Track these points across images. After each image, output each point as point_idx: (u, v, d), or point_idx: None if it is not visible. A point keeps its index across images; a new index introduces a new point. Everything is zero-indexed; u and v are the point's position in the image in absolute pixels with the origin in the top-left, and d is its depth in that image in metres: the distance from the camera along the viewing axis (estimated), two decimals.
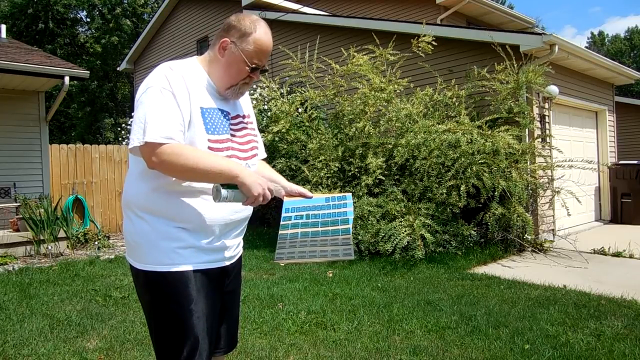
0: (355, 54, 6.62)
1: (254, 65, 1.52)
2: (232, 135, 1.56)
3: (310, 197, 1.74)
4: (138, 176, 1.49)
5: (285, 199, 1.77)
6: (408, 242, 5.15)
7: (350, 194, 1.77)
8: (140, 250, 1.50)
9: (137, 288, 1.60)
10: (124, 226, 1.57)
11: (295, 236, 1.57)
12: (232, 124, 1.58)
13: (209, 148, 1.47)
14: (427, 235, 5.14)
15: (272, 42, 1.58)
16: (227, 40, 1.52)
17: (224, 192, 1.37)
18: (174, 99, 1.42)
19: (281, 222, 1.65)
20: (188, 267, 1.48)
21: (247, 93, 1.78)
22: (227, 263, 1.61)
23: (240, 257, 1.74)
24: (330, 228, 1.57)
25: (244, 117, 1.66)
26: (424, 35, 6.46)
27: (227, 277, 1.65)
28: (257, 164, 1.75)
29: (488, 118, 5.94)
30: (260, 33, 1.52)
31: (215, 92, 1.55)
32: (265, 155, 1.83)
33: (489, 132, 5.70)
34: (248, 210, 1.64)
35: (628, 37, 38.86)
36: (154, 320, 1.53)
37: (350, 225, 1.56)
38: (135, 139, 1.38)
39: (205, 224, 1.49)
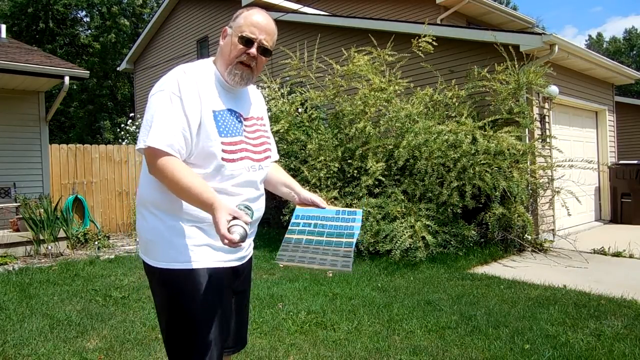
0: (356, 54, 6.62)
1: (241, 34, 1.51)
2: (246, 137, 1.57)
3: (323, 208, 1.74)
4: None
5: (298, 207, 1.77)
6: (410, 243, 5.14)
7: (361, 210, 1.78)
8: (154, 247, 1.50)
9: (151, 286, 1.59)
10: (138, 224, 1.58)
11: (299, 241, 1.59)
12: (245, 126, 1.58)
13: (223, 151, 1.48)
14: (428, 236, 5.14)
15: (274, 26, 1.59)
16: (226, 28, 1.59)
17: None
18: (181, 105, 1.43)
19: (289, 227, 1.66)
20: (203, 265, 1.48)
21: (260, 94, 1.78)
22: (238, 263, 1.61)
23: (251, 258, 1.74)
24: (334, 239, 1.59)
25: (257, 119, 1.66)
26: (425, 36, 6.45)
27: (238, 277, 1.65)
28: (270, 166, 1.75)
29: (490, 119, 5.92)
30: (252, 11, 1.56)
31: (225, 90, 1.56)
32: (277, 157, 1.83)
33: (491, 133, 5.69)
34: (260, 212, 1.65)
35: (626, 37, 38.88)
36: (167, 319, 1.52)
37: (354, 240, 1.58)
38: (142, 140, 1.43)
39: None
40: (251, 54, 1.52)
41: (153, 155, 1.40)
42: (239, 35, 1.51)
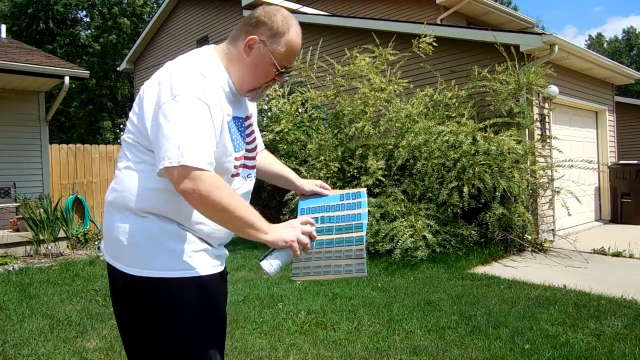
0: (358, 54, 6.63)
1: (283, 67, 1.38)
2: (245, 144, 1.45)
3: (326, 195, 1.67)
4: (149, 176, 1.31)
5: (301, 200, 1.70)
6: (411, 242, 5.14)
7: (365, 189, 1.69)
8: (142, 253, 1.30)
9: (129, 300, 1.37)
10: (115, 225, 1.34)
11: (310, 246, 1.50)
12: (244, 129, 1.46)
13: (235, 166, 1.38)
14: (429, 236, 5.14)
15: None
16: (256, 39, 1.35)
17: (271, 267, 1.33)
18: (210, 115, 1.25)
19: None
20: (204, 272, 1.34)
21: None
22: (223, 267, 1.50)
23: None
24: (344, 236, 1.51)
25: (250, 115, 1.53)
26: (425, 36, 6.46)
27: (223, 281, 1.54)
28: (264, 156, 1.68)
29: (491, 122, 5.90)
30: (293, 33, 1.37)
31: (231, 95, 1.39)
32: (263, 147, 1.71)
33: (492, 135, 5.67)
34: None
35: (625, 37, 38.95)
36: (165, 340, 1.31)
37: (363, 233, 1.49)
38: (166, 157, 1.18)
39: (217, 234, 1.40)
40: (279, 80, 1.45)
41: (186, 175, 1.18)
42: (281, 69, 1.38)
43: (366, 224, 1.54)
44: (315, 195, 1.69)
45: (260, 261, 1.33)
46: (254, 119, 1.58)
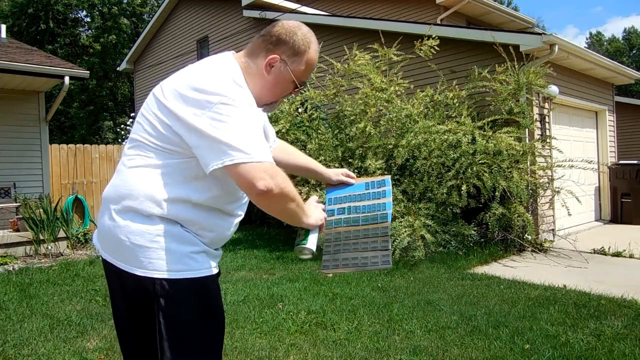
0: (357, 52, 6.62)
1: (301, 82, 1.43)
2: None
3: (352, 184, 1.70)
4: (168, 180, 1.30)
5: (327, 188, 1.73)
6: (408, 242, 5.15)
7: (389, 176, 1.70)
8: (145, 253, 1.29)
9: (130, 299, 1.38)
10: (117, 224, 1.31)
11: (338, 237, 1.53)
12: None
13: None
14: (428, 235, 5.14)
15: None
16: (277, 58, 1.37)
17: (314, 245, 1.43)
18: (260, 121, 1.33)
19: (326, 218, 1.59)
20: (204, 273, 1.34)
21: None
22: (218, 268, 1.50)
23: None
24: (370, 227, 1.52)
25: None
26: (428, 38, 6.45)
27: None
28: (285, 149, 1.71)
29: (489, 119, 5.92)
30: (312, 51, 1.40)
31: None
32: (276, 144, 1.72)
33: (491, 133, 5.69)
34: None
35: (626, 37, 38.96)
36: (166, 340, 1.30)
37: (388, 223, 1.52)
38: (235, 155, 1.18)
39: (217, 239, 1.42)
40: (295, 94, 1.50)
41: (262, 173, 1.19)
42: (299, 84, 1.42)
43: (391, 213, 1.56)
44: (342, 184, 1.72)
45: (305, 245, 1.44)
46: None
